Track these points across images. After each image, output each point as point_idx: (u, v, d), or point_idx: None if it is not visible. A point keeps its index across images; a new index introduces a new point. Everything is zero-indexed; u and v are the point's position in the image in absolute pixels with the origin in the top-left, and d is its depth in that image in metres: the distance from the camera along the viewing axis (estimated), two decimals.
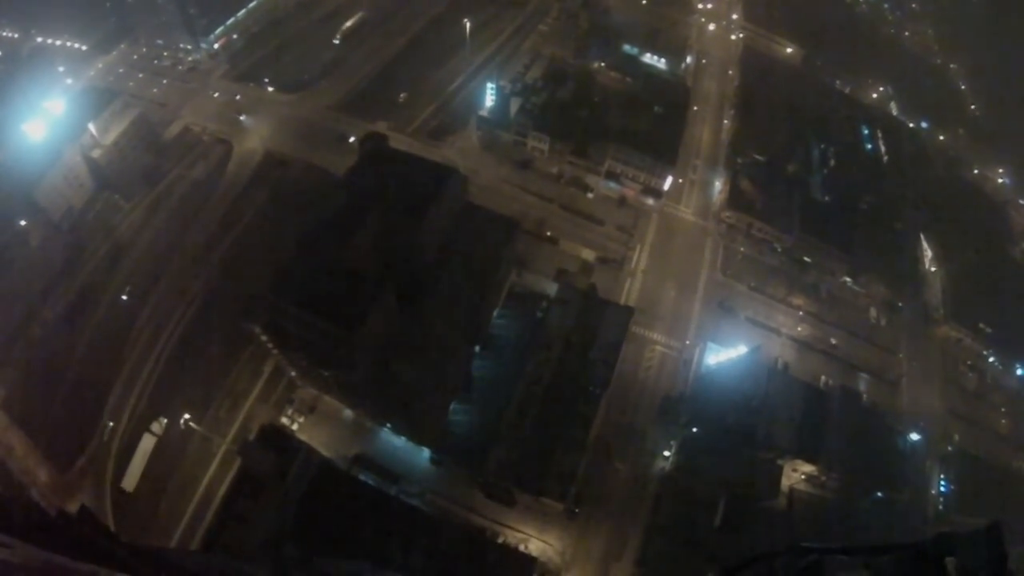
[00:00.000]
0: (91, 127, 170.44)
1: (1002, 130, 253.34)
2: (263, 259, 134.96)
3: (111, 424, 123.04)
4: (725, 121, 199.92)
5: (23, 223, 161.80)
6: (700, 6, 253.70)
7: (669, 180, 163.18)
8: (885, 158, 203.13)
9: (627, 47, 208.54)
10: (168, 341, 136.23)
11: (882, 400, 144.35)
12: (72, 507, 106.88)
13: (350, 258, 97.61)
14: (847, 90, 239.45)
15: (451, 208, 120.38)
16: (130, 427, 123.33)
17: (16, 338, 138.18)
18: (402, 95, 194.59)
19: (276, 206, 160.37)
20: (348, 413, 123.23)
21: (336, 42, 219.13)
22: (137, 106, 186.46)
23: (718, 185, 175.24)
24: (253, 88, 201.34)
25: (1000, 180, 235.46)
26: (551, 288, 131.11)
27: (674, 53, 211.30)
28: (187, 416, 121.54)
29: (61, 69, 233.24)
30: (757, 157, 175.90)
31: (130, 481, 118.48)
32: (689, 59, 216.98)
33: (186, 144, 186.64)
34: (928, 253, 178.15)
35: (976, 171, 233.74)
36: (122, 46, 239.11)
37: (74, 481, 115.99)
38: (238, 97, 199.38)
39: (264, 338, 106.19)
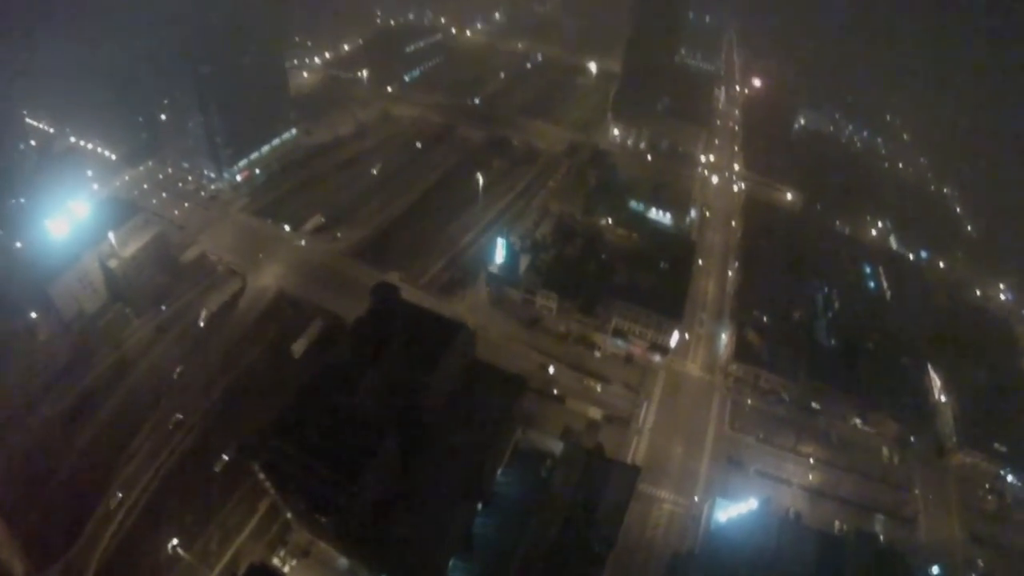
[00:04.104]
0: (111, 236, 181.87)
1: (999, 247, 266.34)
2: (267, 396, 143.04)
3: (96, 533, 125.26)
4: (730, 273, 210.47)
5: (33, 315, 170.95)
6: (703, 159, 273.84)
7: (676, 336, 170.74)
8: (888, 294, 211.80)
9: (633, 203, 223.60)
10: (164, 462, 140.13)
11: (900, 538, 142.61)
12: None
13: (355, 406, 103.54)
14: (847, 230, 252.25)
15: (459, 363, 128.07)
16: (115, 540, 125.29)
17: (12, 426, 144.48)
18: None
19: (284, 345, 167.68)
20: (343, 562, 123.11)
21: (355, 189, 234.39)
22: (158, 224, 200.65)
23: (724, 338, 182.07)
24: (271, 225, 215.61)
25: (1002, 296, 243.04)
26: (557, 447, 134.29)
27: (679, 207, 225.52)
28: (175, 542, 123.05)
29: (89, 173, 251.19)
30: (761, 309, 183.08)
31: None
32: (693, 213, 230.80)
33: (201, 271, 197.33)
34: (937, 383, 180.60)
35: (978, 292, 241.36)
36: (149, 163, 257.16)
37: None
38: (256, 232, 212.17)
39: (262, 476, 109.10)
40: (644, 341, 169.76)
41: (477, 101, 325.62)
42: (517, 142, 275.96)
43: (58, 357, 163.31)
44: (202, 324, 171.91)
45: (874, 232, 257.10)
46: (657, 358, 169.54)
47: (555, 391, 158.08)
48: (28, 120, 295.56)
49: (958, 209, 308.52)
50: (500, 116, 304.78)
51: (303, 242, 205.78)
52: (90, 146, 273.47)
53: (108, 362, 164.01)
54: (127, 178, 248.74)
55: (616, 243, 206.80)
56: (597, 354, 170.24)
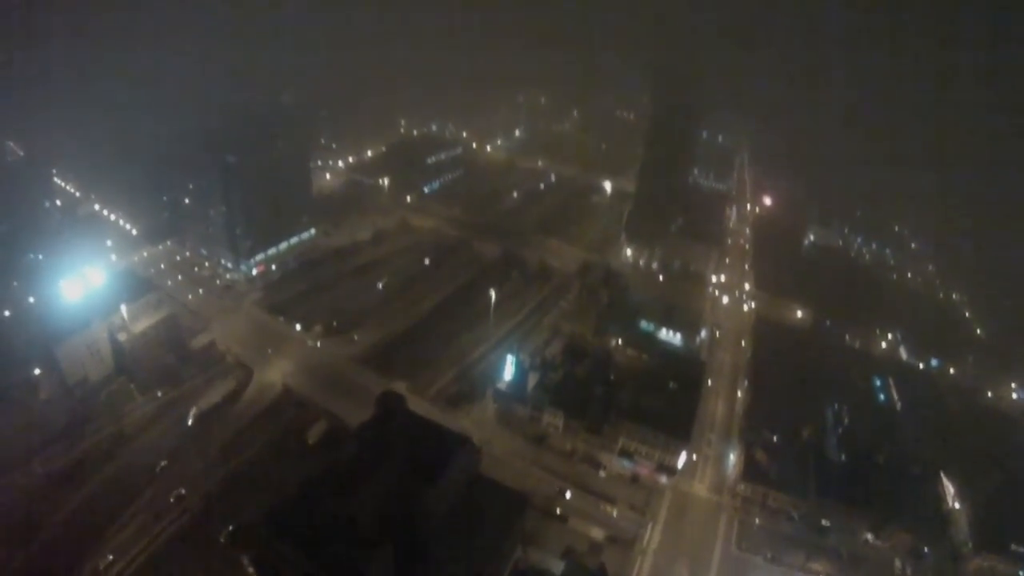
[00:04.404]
0: (123, 310, 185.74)
1: (1009, 348, 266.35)
2: (263, 491, 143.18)
3: None
4: (739, 393, 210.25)
5: (37, 371, 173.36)
6: (714, 279, 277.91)
7: (683, 456, 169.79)
8: (899, 404, 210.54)
9: (644, 324, 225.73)
10: (152, 541, 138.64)
11: None
12: None
13: (354, 511, 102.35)
14: (857, 344, 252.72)
15: (461, 477, 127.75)
16: None
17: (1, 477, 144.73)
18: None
19: (286, 442, 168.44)
20: None
21: (369, 295, 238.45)
22: (170, 306, 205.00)
23: (732, 458, 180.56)
24: (283, 323, 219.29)
25: (1015, 395, 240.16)
26: (558, 567, 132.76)
27: (689, 328, 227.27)
28: None
29: (109, 243, 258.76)
30: (770, 428, 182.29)
31: None
32: (704, 333, 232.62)
33: (210, 358, 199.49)
34: (950, 490, 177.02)
35: (990, 394, 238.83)
36: (168, 243, 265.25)
37: None
38: (267, 328, 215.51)
39: (251, 570, 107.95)
40: (651, 461, 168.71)
41: (493, 217, 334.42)
42: (531, 259, 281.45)
43: (57, 418, 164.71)
44: (190, 423, 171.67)
45: (884, 344, 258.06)
46: (663, 478, 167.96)
47: (558, 510, 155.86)
48: (56, 179, 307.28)
49: (967, 313, 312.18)
50: (516, 232, 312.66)
51: (318, 344, 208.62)
52: (112, 216, 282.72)
53: (106, 432, 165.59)
54: (145, 254, 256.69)
55: (626, 363, 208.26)
56: (602, 473, 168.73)
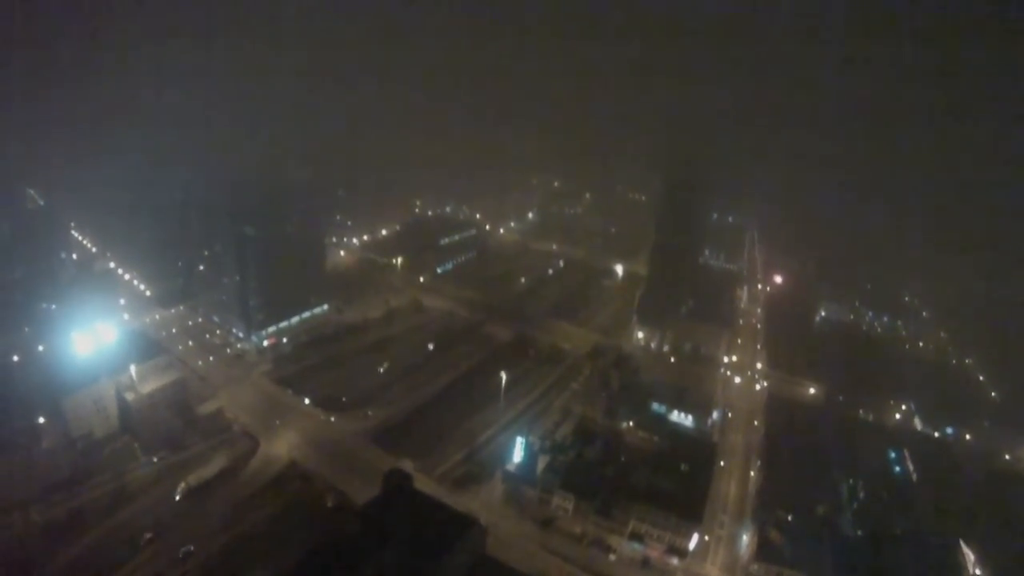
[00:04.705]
0: (132, 370, 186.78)
1: None
2: (264, 564, 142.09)
3: None
4: (752, 472, 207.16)
5: (41, 420, 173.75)
6: (726, 359, 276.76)
7: (695, 538, 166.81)
8: (915, 475, 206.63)
9: (655, 406, 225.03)
10: None
11: None
12: None
13: None
14: (871, 417, 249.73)
15: (467, 559, 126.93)
16: None
17: None
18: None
19: (289, 514, 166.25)
20: None
21: (379, 373, 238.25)
22: (179, 370, 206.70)
23: (745, 539, 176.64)
24: (291, 396, 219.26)
25: None
26: None
27: (701, 409, 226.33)
28: None
29: (122, 302, 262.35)
30: (784, 507, 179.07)
31: None
32: (716, 414, 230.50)
33: (216, 426, 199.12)
34: (970, 558, 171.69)
35: (1007, 456, 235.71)
36: (181, 308, 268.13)
37: None
38: (275, 399, 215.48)
39: None
40: (662, 544, 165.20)
41: (505, 299, 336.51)
42: (543, 342, 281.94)
43: (58, 469, 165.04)
44: (178, 498, 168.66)
45: (897, 415, 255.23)
46: (675, 561, 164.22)
47: None
48: (74, 232, 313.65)
49: (981, 377, 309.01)
50: (527, 315, 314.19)
51: (331, 419, 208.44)
52: (127, 276, 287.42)
53: (108, 488, 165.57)
54: (157, 317, 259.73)
55: (637, 445, 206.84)
56: (612, 557, 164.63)
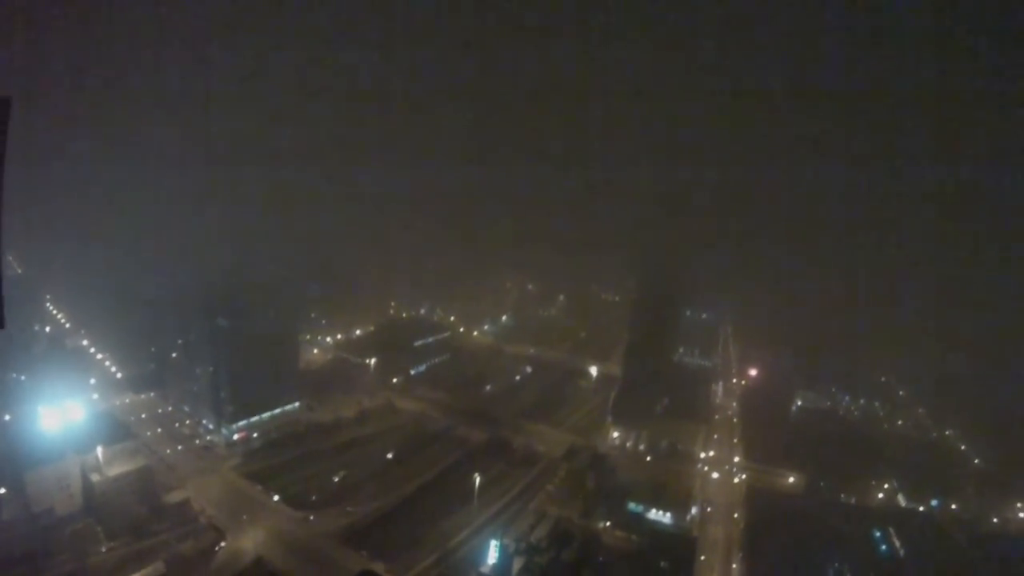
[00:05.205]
0: (99, 452, 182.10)
1: (1009, 469, 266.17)
2: None
3: None
4: (734, 566, 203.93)
5: (2, 490, 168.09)
6: (703, 455, 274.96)
7: None
8: (902, 552, 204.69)
9: (632, 505, 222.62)
10: None
11: None
12: None
13: None
14: (853, 500, 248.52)
15: None
16: None
17: None
18: None
19: None
20: None
21: (350, 473, 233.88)
22: (147, 457, 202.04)
23: None
24: (260, 491, 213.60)
25: (1021, 514, 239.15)
26: None
27: (679, 506, 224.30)
28: None
29: (92, 381, 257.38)
30: None
31: None
32: (694, 510, 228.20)
33: (182, 516, 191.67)
34: None
35: (995, 519, 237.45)
36: (152, 394, 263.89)
37: None
38: (244, 494, 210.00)
39: None
40: None
41: (479, 401, 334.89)
42: (517, 444, 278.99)
43: (16, 544, 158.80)
44: None
45: (880, 495, 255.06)
46: None
47: None
48: (48, 306, 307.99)
49: (963, 447, 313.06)
50: (501, 417, 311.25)
51: (306, 517, 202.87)
52: (99, 356, 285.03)
53: (67, 569, 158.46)
54: (127, 401, 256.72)
55: (615, 545, 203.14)
56: None
